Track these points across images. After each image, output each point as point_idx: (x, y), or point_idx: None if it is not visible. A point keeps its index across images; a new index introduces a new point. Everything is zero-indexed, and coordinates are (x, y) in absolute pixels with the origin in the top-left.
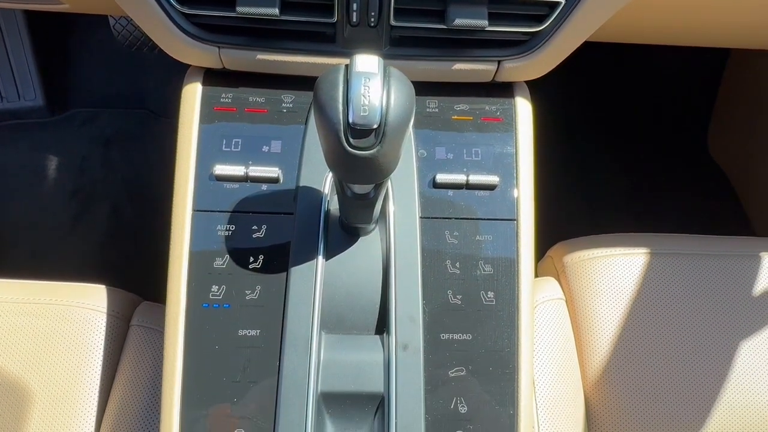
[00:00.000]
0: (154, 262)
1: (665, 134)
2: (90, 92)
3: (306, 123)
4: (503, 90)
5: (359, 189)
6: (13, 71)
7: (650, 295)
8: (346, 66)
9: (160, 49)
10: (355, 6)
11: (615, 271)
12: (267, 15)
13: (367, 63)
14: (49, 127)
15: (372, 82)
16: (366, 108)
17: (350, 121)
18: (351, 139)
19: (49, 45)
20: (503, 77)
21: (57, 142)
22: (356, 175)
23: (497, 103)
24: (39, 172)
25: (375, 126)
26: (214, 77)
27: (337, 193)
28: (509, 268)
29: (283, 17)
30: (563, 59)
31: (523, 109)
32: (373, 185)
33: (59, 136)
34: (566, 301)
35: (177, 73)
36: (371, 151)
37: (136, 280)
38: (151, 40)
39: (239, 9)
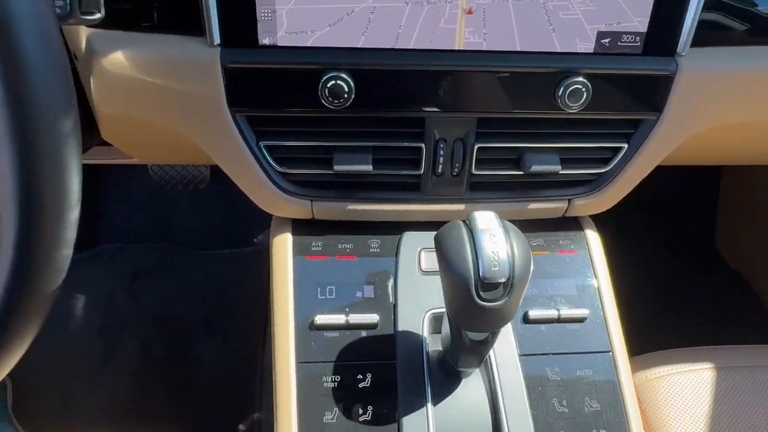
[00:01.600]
0: (185, 398)
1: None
2: (116, 227)
3: (396, 267)
4: (571, 223)
5: (477, 336)
6: None
7: (724, 412)
8: (464, 222)
9: (196, 185)
10: (441, 159)
11: (684, 388)
12: (361, 171)
13: (486, 219)
14: (75, 265)
15: (497, 238)
16: (496, 262)
17: (481, 275)
18: (481, 293)
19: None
20: (573, 213)
21: (83, 280)
22: (480, 324)
23: (569, 237)
24: (66, 311)
25: (504, 279)
26: (302, 226)
27: (450, 340)
28: (615, 404)
29: (375, 172)
30: (629, 191)
31: (594, 241)
32: (491, 332)
33: (86, 274)
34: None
35: (206, 206)
36: (500, 302)
37: (168, 416)
38: (187, 177)
39: (336, 168)
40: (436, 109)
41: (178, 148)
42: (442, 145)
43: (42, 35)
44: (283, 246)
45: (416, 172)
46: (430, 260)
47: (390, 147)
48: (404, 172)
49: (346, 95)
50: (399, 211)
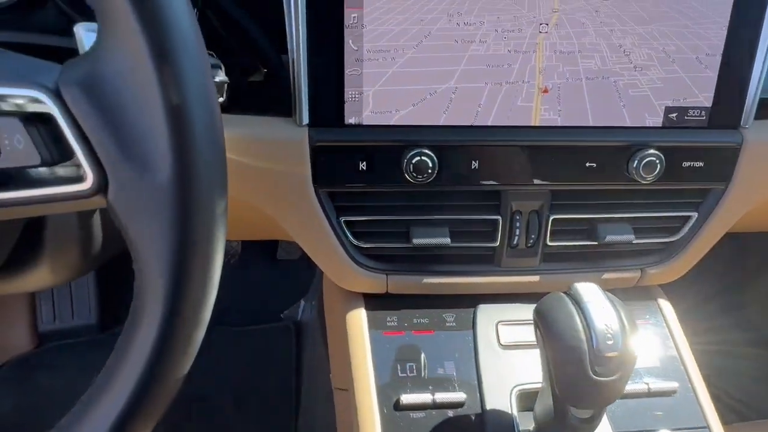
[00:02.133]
0: None
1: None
2: None
3: (474, 341)
4: (641, 292)
5: (583, 413)
6: (71, 290)
7: None
8: (566, 294)
9: (227, 260)
10: (517, 232)
11: None
12: (439, 245)
13: (591, 291)
14: (100, 346)
15: (606, 310)
16: (610, 335)
17: (595, 348)
18: (596, 367)
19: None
20: (646, 282)
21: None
22: (591, 400)
23: (643, 307)
24: None
25: (617, 352)
26: (375, 301)
27: (552, 418)
28: None
29: (452, 245)
30: (700, 259)
31: (668, 310)
32: (600, 408)
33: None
34: None
35: (235, 281)
36: (614, 377)
37: None
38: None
39: (415, 241)
40: (513, 183)
41: (252, 223)
42: (517, 218)
43: (210, 119)
44: (359, 322)
45: (492, 245)
46: (509, 334)
47: (466, 220)
48: (480, 245)
49: (429, 170)
50: (473, 283)
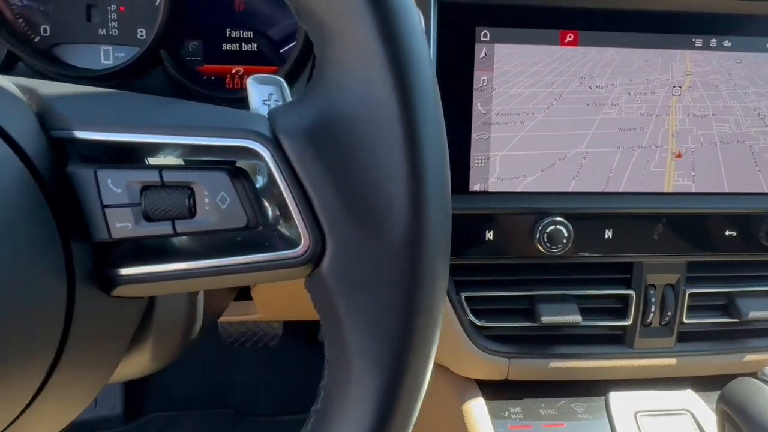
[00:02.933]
0: None
1: None
2: (168, 393)
3: None
4: None
5: None
6: None
7: None
8: (759, 378)
9: (266, 343)
10: (652, 308)
11: None
12: (569, 323)
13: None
14: None
15: None
16: None
17: None
18: None
19: None
20: None
21: None
22: None
23: None
24: None
25: None
26: (491, 389)
27: None
28: None
29: (582, 323)
30: None
31: None
32: None
33: None
34: None
35: (271, 366)
36: None
37: None
38: (258, 334)
39: (543, 319)
40: (647, 253)
41: None
42: (652, 292)
43: (445, 168)
44: (479, 414)
45: (623, 323)
46: (653, 427)
47: (596, 295)
48: (610, 323)
49: (564, 241)
50: (602, 368)
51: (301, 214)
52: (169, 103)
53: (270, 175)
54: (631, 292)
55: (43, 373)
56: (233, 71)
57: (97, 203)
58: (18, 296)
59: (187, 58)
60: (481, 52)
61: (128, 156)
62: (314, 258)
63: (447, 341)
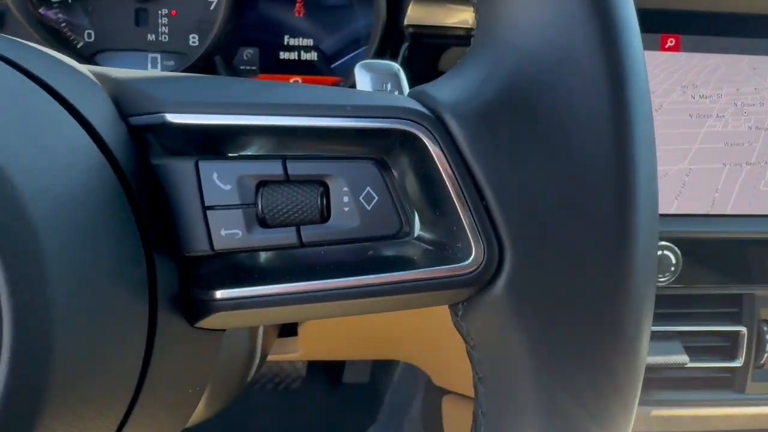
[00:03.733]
0: None
1: None
2: None
3: None
4: None
5: None
6: None
7: None
8: None
9: (287, 385)
10: (767, 347)
11: None
12: (675, 364)
13: None
14: None
15: None
16: None
17: None
18: None
19: None
20: None
21: None
22: None
23: None
24: None
25: None
26: None
27: None
28: None
29: (690, 365)
30: None
31: None
32: None
33: None
34: None
35: (292, 409)
36: None
37: None
38: (280, 375)
39: (649, 360)
40: (759, 284)
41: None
42: (765, 329)
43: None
44: None
45: (733, 364)
46: None
47: (701, 332)
48: (718, 365)
49: (672, 268)
50: (709, 416)
51: (473, 216)
52: (277, 84)
53: (427, 166)
54: (742, 329)
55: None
56: (291, 81)
57: (196, 204)
58: (96, 330)
59: (241, 67)
60: None
61: (227, 146)
62: (488, 275)
63: None
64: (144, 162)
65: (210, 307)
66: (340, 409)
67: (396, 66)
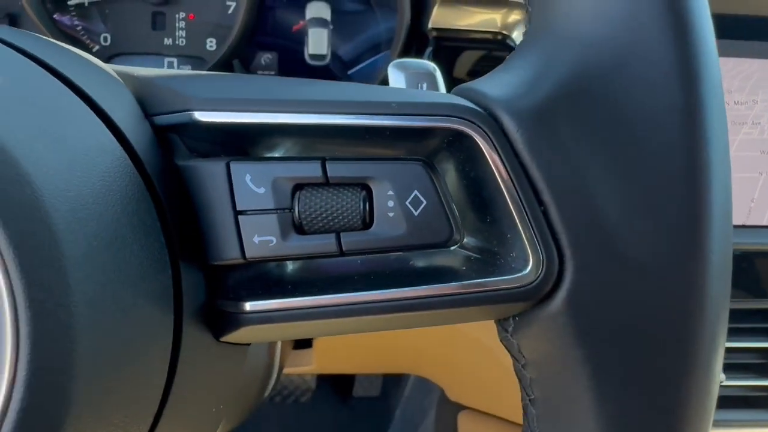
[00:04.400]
0: None
1: None
2: None
3: None
4: None
5: None
6: None
7: None
8: None
9: (297, 398)
10: None
11: None
12: None
13: None
14: None
15: None
16: None
17: None
18: None
19: None
20: None
21: None
22: None
23: None
24: None
25: None
26: None
27: None
28: None
29: (725, 383)
30: None
31: None
32: None
33: None
34: None
35: (299, 424)
36: None
37: None
38: (289, 387)
39: None
40: None
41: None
42: None
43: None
44: None
45: (766, 383)
46: None
47: (735, 348)
48: (754, 383)
49: None
50: None
51: (531, 223)
52: (313, 81)
53: (477, 168)
54: None
55: None
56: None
57: (227, 209)
58: (119, 345)
59: (259, 72)
60: None
61: (259, 147)
62: (547, 288)
63: None
64: (168, 163)
65: (238, 320)
66: (350, 423)
67: (431, 65)
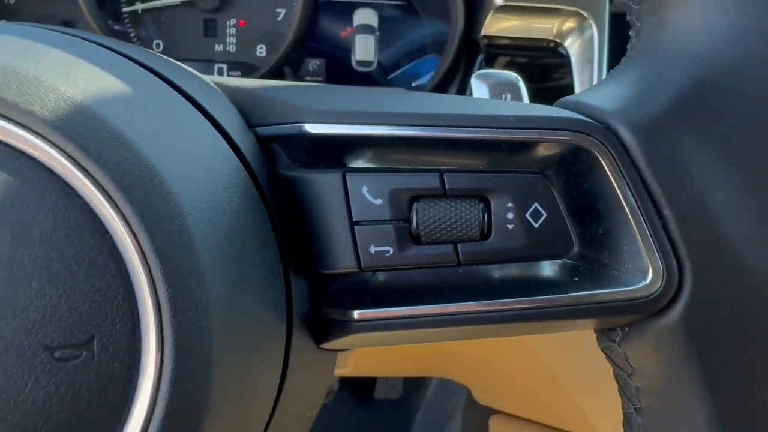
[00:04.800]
0: None
1: None
2: None
3: None
4: None
5: None
6: None
7: None
8: None
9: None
10: None
11: None
12: None
13: None
14: None
15: None
16: None
17: None
18: None
19: None
20: None
21: None
22: None
23: None
24: None
25: None
26: None
27: None
28: None
29: None
30: None
31: None
32: None
33: None
34: None
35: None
36: None
37: None
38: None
39: None
40: None
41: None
42: None
43: None
44: None
45: None
46: None
47: None
48: None
49: None
50: None
51: (651, 235)
52: (425, 94)
53: (593, 180)
54: None
55: None
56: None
57: (343, 219)
58: (243, 353)
59: (307, 78)
60: None
61: (369, 158)
62: (665, 301)
63: (606, 412)
64: (273, 173)
65: (346, 327)
66: (372, 425)
67: (515, 76)
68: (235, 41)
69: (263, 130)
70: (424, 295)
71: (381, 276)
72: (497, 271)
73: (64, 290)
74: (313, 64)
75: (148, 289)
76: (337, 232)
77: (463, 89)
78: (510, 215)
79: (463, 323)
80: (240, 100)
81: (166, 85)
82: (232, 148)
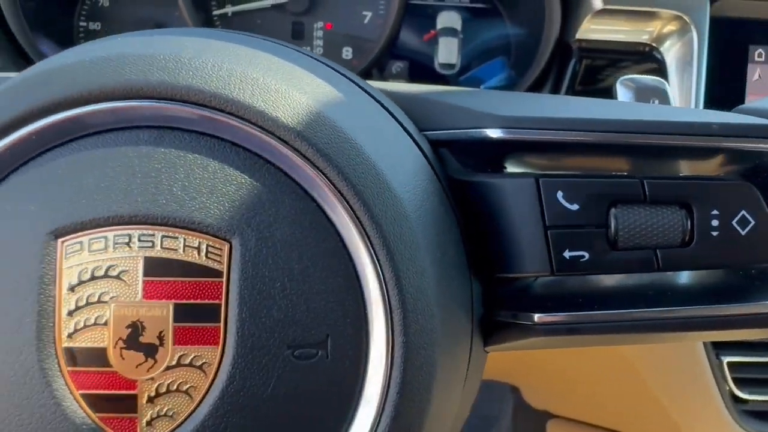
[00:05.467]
0: None
1: None
2: None
3: None
4: None
5: None
6: None
7: None
8: None
9: None
10: None
11: None
12: None
13: None
14: None
15: None
16: None
17: None
18: None
19: None
20: None
21: None
22: None
23: None
24: None
25: None
26: None
27: None
28: None
29: None
30: None
31: None
32: None
33: None
34: None
35: None
36: None
37: None
38: None
39: None
40: None
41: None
42: None
43: None
44: None
45: None
46: None
47: None
48: None
49: None
50: None
51: None
52: (595, 101)
53: None
54: None
55: None
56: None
57: (536, 224)
58: (447, 356)
59: (390, 80)
60: (754, 73)
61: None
62: None
63: (700, 418)
64: (447, 177)
65: (524, 330)
66: None
67: (662, 81)
68: (321, 44)
69: (434, 135)
70: (613, 299)
71: (551, 281)
72: (677, 279)
73: (303, 290)
74: (397, 66)
75: (378, 291)
76: (529, 237)
77: (556, 92)
78: (715, 222)
79: (641, 330)
80: (408, 106)
81: (366, 95)
82: (421, 152)
